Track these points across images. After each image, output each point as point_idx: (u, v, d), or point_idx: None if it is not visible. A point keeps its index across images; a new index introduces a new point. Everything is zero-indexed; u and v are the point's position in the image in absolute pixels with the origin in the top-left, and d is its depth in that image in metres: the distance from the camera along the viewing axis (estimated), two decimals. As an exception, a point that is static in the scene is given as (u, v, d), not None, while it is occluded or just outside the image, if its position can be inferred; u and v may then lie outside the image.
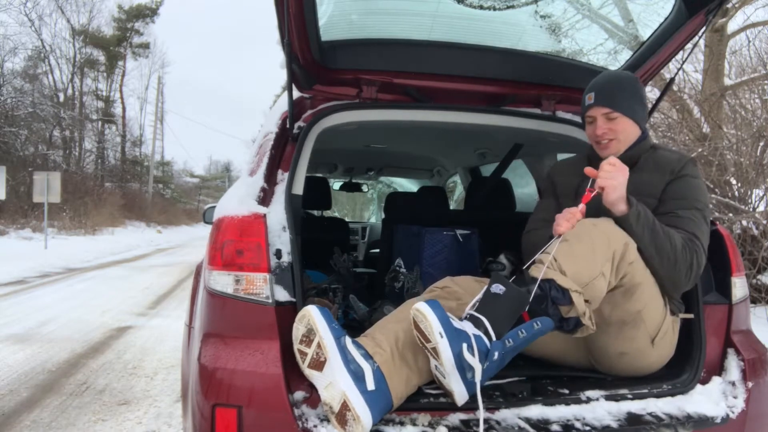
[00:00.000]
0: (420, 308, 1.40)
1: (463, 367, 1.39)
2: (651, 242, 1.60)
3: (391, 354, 1.47)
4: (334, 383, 1.39)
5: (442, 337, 1.37)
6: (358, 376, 1.40)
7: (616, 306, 1.61)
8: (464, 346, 1.39)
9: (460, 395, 1.43)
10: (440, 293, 1.72)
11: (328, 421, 1.41)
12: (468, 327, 1.44)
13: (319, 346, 1.41)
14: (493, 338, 1.44)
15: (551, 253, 1.54)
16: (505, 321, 1.47)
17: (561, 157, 2.74)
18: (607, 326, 1.63)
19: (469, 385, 1.41)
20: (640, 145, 1.83)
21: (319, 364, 1.41)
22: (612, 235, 1.56)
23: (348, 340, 1.45)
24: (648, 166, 1.81)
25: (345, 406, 1.37)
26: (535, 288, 1.49)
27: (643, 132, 1.85)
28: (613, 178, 1.59)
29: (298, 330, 1.45)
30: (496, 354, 1.42)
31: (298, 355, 1.46)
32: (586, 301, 1.51)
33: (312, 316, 1.43)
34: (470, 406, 1.45)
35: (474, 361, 1.39)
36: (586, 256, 1.52)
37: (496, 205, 3.07)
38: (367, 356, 1.45)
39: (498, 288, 1.49)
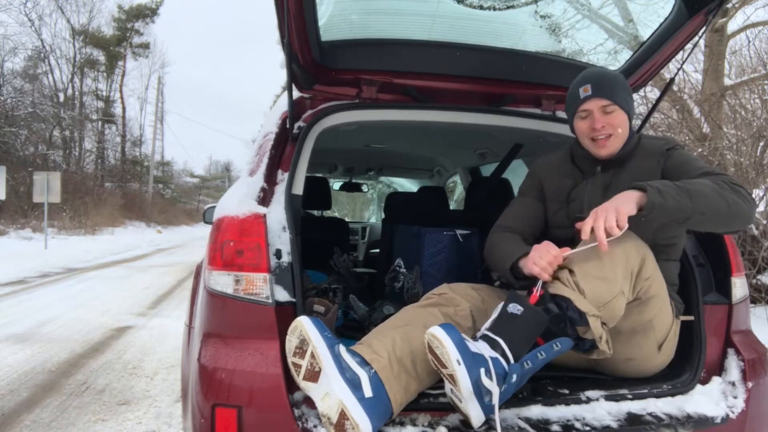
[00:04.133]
0: (436, 334, 1.36)
1: (480, 392, 1.36)
2: (691, 202, 1.44)
3: (389, 360, 1.44)
4: (330, 393, 1.35)
5: (459, 364, 1.33)
6: (354, 384, 1.36)
7: (628, 316, 1.59)
8: (482, 370, 1.35)
9: (477, 418, 1.39)
10: (438, 300, 1.69)
11: None
12: (484, 349, 1.41)
13: (312, 356, 1.37)
14: (511, 360, 1.41)
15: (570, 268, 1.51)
16: (523, 343, 1.44)
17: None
18: (617, 334, 1.61)
19: (487, 408, 1.38)
20: (629, 142, 1.77)
21: (314, 375, 1.38)
22: (629, 251, 1.53)
23: (342, 349, 1.42)
24: (637, 155, 1.76)
25: (343, 415, 1.33)
26: (553, 307, 1.47)
27: (631, 129, 1.79)
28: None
29: (291, 342, 1.42)
30: (515, 377, 1.39)
31: (292, 369, 1.43)
32: (604, 324, 1.49)
33: (304, 326, 1.40)
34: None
35: (492, 385, 1.36)
36: (607, 275, 1.49)
37: (496, 205, 3.06)
38: (363, 363, 1.42)
39: (515, 308, 1.46)
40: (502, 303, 1.50)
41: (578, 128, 1.79)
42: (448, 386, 1.42)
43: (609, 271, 1.49)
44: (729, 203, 1.48)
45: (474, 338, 1.46)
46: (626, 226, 1.43)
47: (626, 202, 1.45)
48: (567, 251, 1.54)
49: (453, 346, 1.33)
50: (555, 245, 1.57)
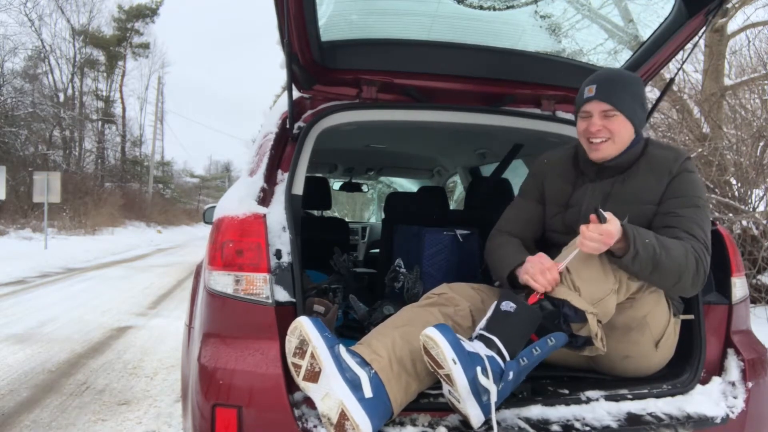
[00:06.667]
0: (430, 334, 1.36)
1: (478, 391, 1.36)
2: (652, 273, 1.51)
3: (389, 360, 1.45)
4: (330, 393, 1.35)
5: (455, 363, 1.33)
6: (354, 385, 1.36)
7: (621, 312, 1.60)
8: (478, 369, 1.36)
9: (477, 418, 1.40)
10: (438, 300, 1.69)
11: None
12: (480, 348, 1.41)
13: (312, 356, 1.38)
14: (507, 358, 1.42)
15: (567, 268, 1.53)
16: (518, 340, 1.45)
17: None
18: (612, 331, 1.61)
19: (485, 407, 1.38)
20: (632, 150, 1.72)
21: (314, 375, 1.38)
22: None
23: (342, 349, 1.42)
24: (642, 167, 1.72)
25: (343, 416, 1.33)
26: (547, 304, 1.48)
27: (637, 136, 1.73)
28: (597, 248, 1.48)
29: (290, 342, 1.42)
30: (511, 374, 1.40)
31: (292, 369, 1.43)
32: (599, 321, 1.50)
33: (304, 326, 1.40)
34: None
35: (489, 383, 1.37)
36: (599, 274, 1.51)
37: (496, 205, 3.06)
38: (363, 363, 1.42)
39: (509, 305, 1.47)
40: (496, 301, 1.51)
41: (578, 127, 1.77)
42: (446, 387, 1.42)
43: (600, 270, 1.52)
44: (680, 280, 1.54)
45: (470, 339, 1.47)
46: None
47: (608, 240, 1.47)
48: (561, 265, 1.54)
49: (448, 346, 1.34)
50: (548, 257, 1.58)
